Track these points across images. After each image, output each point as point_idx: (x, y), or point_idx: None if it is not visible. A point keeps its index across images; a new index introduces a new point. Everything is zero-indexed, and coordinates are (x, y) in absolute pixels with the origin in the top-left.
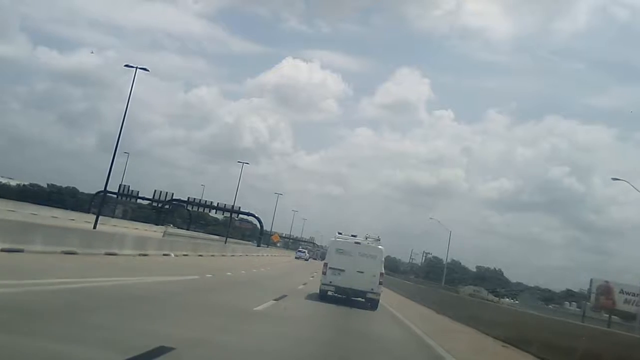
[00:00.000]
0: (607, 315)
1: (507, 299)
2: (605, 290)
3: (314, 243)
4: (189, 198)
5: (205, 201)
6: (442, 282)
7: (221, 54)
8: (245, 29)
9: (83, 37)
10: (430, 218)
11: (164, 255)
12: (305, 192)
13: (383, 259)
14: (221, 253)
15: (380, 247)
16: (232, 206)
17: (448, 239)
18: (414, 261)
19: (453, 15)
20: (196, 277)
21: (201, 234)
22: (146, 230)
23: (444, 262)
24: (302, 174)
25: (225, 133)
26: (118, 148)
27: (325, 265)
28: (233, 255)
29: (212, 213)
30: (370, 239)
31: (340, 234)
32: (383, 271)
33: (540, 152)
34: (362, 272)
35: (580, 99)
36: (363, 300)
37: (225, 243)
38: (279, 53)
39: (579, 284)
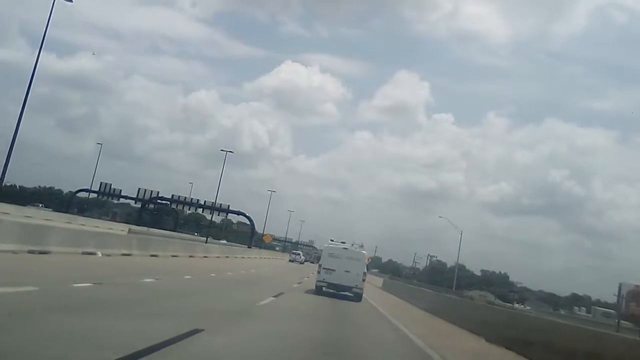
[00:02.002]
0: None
1: (516, 305)
2: (636, 295)
3: (312, 246)
4: (172, 196)
5: (192, 199)
6: (452, 287)
7: (220, 58)
8: (243, 33)
9: (82, 41)
10: (440, 217)
11: (85, 253)
12: (305, 196)
13: (366, 262)
14: (189, 254)
15: (363, 252)
16: (215, 202)
17: (459, 239)
18: (417, 264)
19: (451, 19)
20: (35, 288)
21: (183, 235)
22: (122, 230)
23: (452, 266)
24: (301, 177)
25: (224, 137)
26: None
27: (320, 266)
28: (206, 257)
29: (205, 214)
30: (355, 245)
31: (332, 240)
32: (366, 271)
33: (539, 155)
34: (348, 272)
35: (580, 102)
36: (351, 294)
37: (206, 243)
38: (278, 57)
39: (582, 287)
